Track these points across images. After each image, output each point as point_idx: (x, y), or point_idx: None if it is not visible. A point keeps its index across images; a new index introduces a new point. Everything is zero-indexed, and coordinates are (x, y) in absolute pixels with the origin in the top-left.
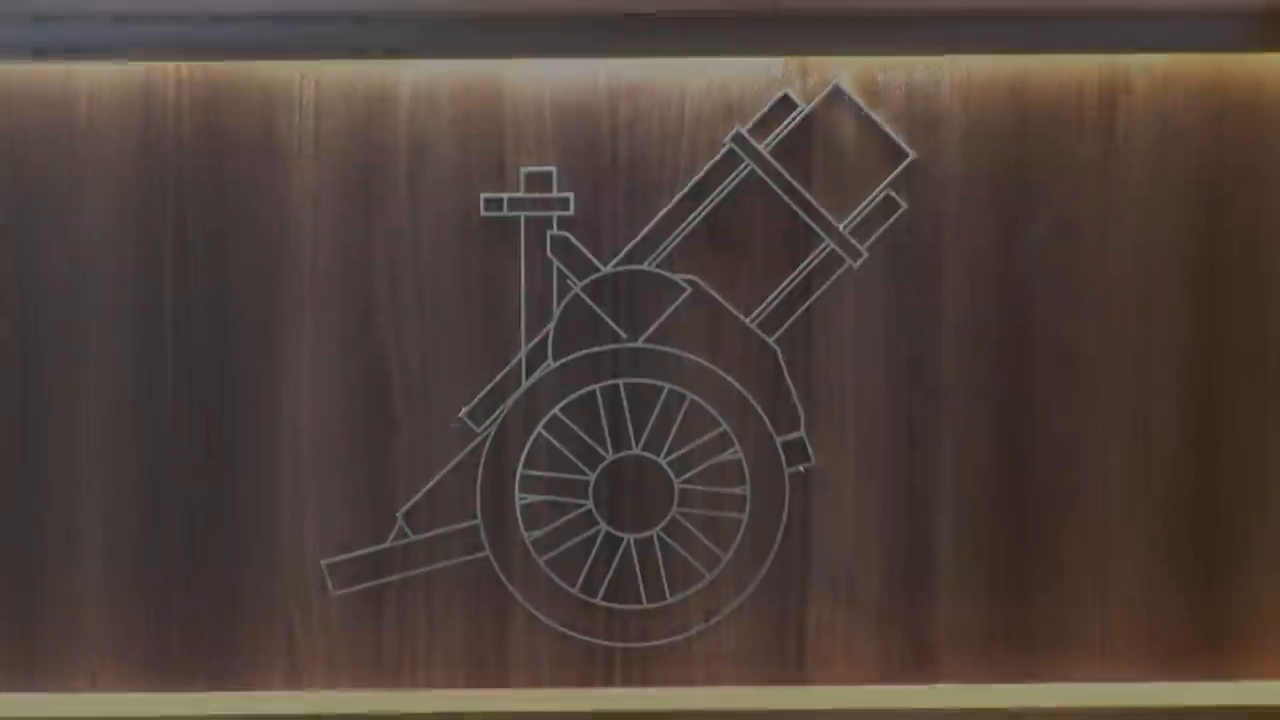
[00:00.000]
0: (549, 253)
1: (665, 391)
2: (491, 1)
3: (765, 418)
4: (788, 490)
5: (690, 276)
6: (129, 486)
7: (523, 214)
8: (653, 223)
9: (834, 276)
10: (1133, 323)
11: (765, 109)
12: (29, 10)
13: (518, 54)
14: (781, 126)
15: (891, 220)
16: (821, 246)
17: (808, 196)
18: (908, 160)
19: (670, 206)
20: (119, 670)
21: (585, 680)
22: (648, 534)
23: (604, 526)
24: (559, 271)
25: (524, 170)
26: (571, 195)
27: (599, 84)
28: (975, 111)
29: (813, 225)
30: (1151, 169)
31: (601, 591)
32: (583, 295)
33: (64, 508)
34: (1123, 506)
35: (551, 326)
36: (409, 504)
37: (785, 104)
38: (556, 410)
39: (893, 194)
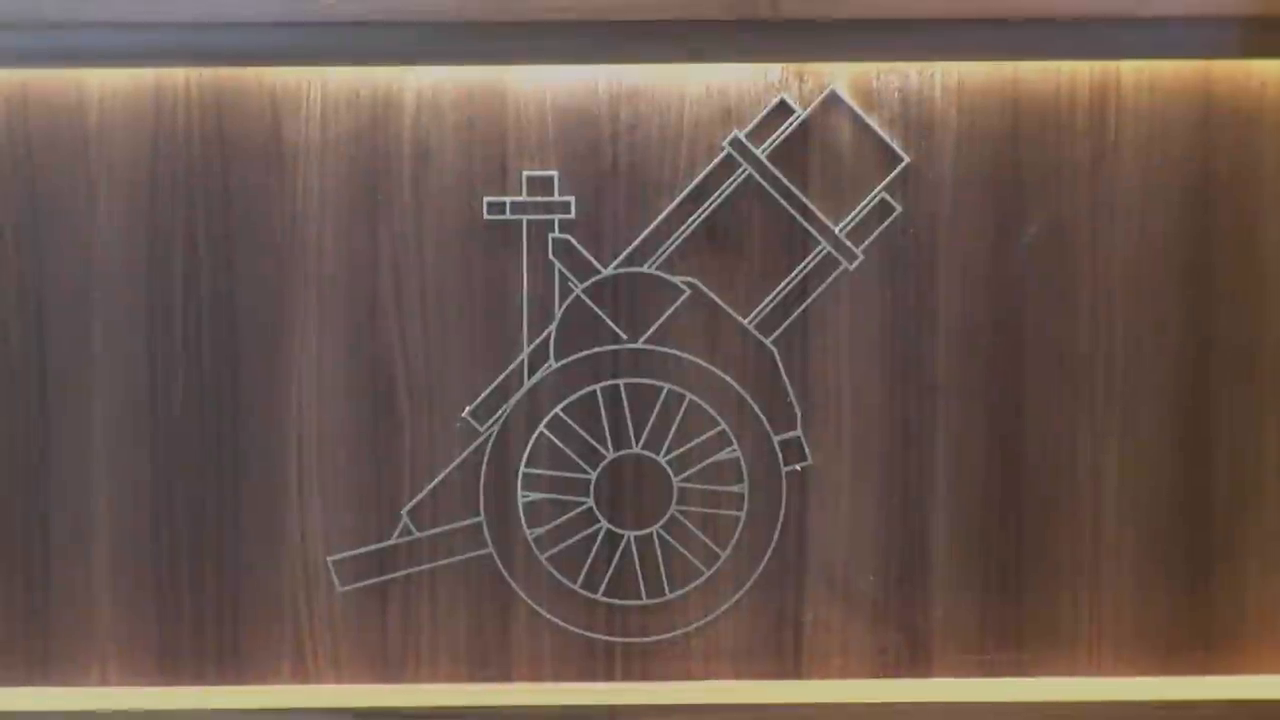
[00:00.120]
0: (551, 255)
1: (665, 391)
2: (494, 9)
3: (763, 417)
4: (784, 488)
5: (689, 278)
6: (139, 486)
7: (525, 217)
8: (652, 226)
9: (830, 278)
10: (1124, 323)
11: (763, 114)
12: (41, 18)
13: (520, 60)
14: (779, 131)
15: (887, 223)
16: (818, 249)
17: (804, 200)
18: (903, 164)
19: (669, 210)
20: (130, 665)
21: (586, 675)
22: (647, 531)
23: (605, 524)
24: (560, 274)
25: (526, 174)
26: (573, 199)
27: (599, 89)
28: (968, 116)
29: (809, 228)
30: (1141, 172)
31: (602, 588)
32: (584, 297)
33: (76, 507)
34: (1114, 505)
35: (553, 327)
36: (413, 502)
37: (782, 109)
38: (558, 410)
39: (888, 197)
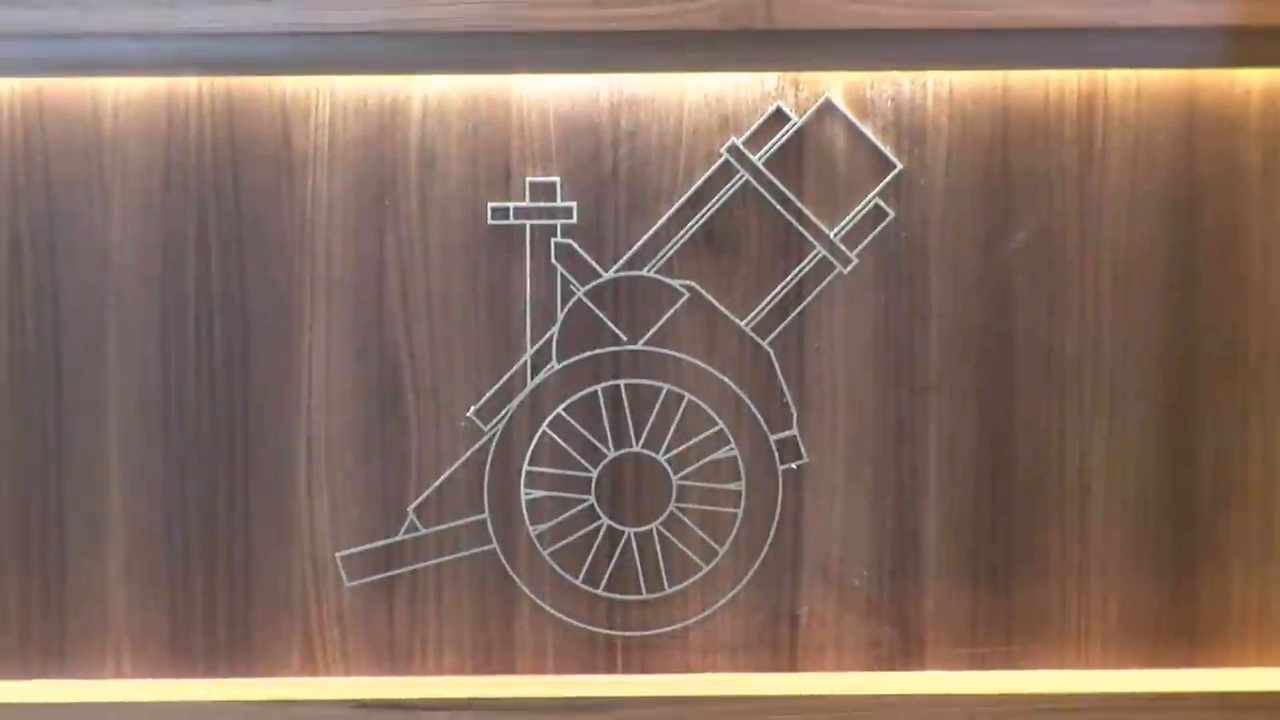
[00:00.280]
0: (553, 259)
1: (664, 392)
2: (498, 20)
3: (759, 417)
4: (781, 486)
5: (688, 282)
6: (152, 484)
7: (528, 222)
8: (652, 230)
9: (825, 282)
10: (1111, 324)
11: (759, 121)
12: (56, 28)
13: (522, 69)
14: (775, 138)
15: (880, 228)
16: (813, 253)
17: (800, 205)
18: (896, 170)
19: (669, 215)
20: (143, 658)
21: (588, 667)
22: (647, 528)
23: (605, 521)
24: (563, 277)
25: (529, 180)
26: (574, 204)
27: (600, 98)
28: (959, 123)
29: (805, 233)
30: (1128, 178)
31: (603, 583)
32: (585, 300)
33: (90, 505)
34: (1102, 502)
35: (555, 329)
36: (419, 499)
37: (778, 117)
38: (560, 409)
39: (881, 203)
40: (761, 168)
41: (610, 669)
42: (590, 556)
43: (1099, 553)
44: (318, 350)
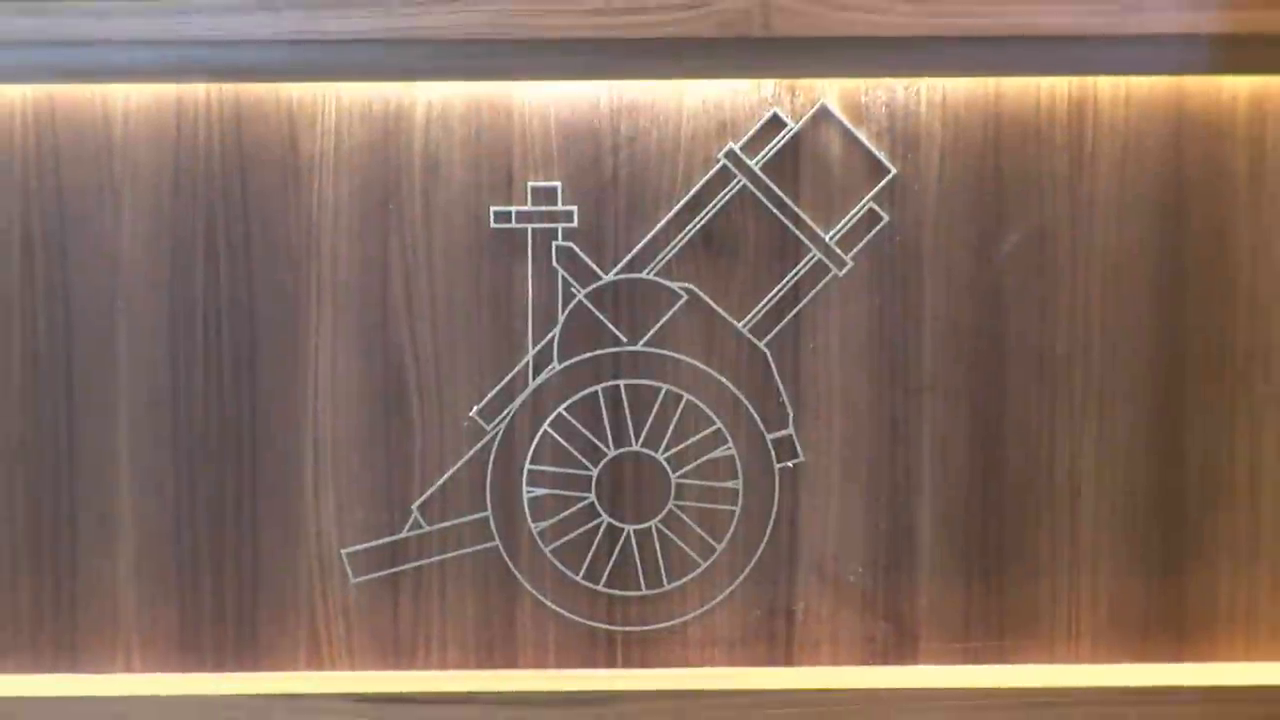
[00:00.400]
0: (554, 262)
1: (663, 392)
2: (498, 28)
3: (756, 416)
4: (777, 484)
5: (686, 284)
6: (162, 483)
7: (530, 226)
8: (651, 234)
9: (821, 284)
10: (1100, 326)
11: (756, 127)
12: (68, 36)
13: (523, 76)
14: (772, 144)
15: (875, 231)
16: (809, 256)
17: (796, 209)
18: (890, 175)
19: (667, 219)
20: (153, 653)
21: (588, 662)
22: (646, 525)
23: (606, 518)
24: (564, 280)
25: (531, 185)
26: (575, 208)
27: (601, 104)
28: (952, 129)
29: (801, 236)
30: (1117, 183)
31: (603, 579)
32: (586, 302)
33: (101, 504)
34: (1092, 500)
35: (557, 331)
36: (423, 497)
37: (775, 122)
38: (561, 409)
39: (876, 207)
40: (758, 172)
41: (610, 663)
42: (591, 553)
43: (1089, 550)
44: (324, 351)
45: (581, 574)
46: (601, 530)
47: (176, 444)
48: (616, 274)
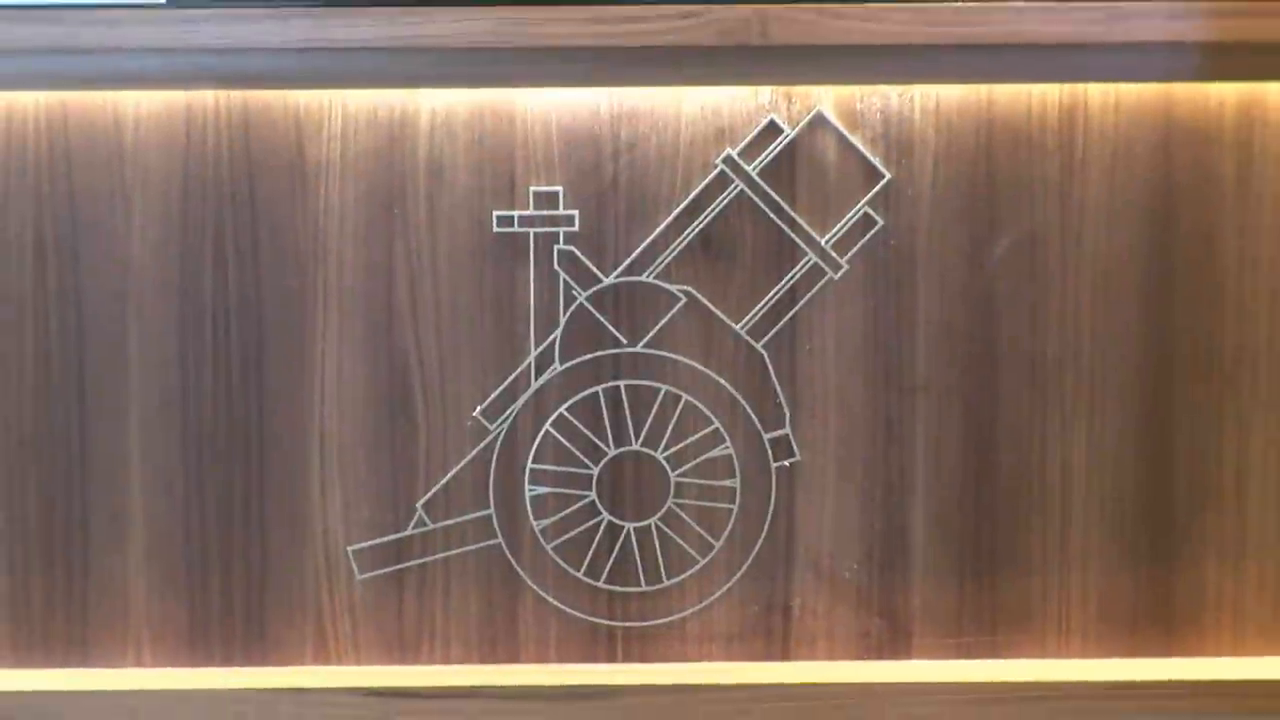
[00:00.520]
0: (556, 265)
1: (662, 392)
2: (499, 36)
3: (754, 416)
4: (774, 483)
5: (685, 287)
6: (172, 482)
7: (532, 230)
8: (650, 238)
9: (816, 287)
10: (1090, 328)
11: (753, 133)
12: (80, 44)
13: (525, 83)
14: (769, 150)
15: (869, 235)
16: (805, 259)
17: (792, 214)
18: (884, 180)
19: (667, 223)
20: (163, 648)
21: (589, 656)
22: (646, 523)
23: (606, 516)
24: (565, 282)
25: (533, 190)
26: (576, 212)
27: (601, 110)
28: (945, 135)
29: (797, 240)
30: (1107, 188)
31: (604, 576)
32: (587, 304)
33: (113, 502)
34: (1082, 498)
35: (558, 333)
36: (428, 496)
37: (772, 129)
38: (563, 409)
39: (870, 211)
40: (756, 178)
41: (611, 658)
42: (591, 550)
43: (1079, 548)
44: (330, 353)
45: (582, 571)
46: (602, 528)
47: (186, 444)
48: (617, 277)
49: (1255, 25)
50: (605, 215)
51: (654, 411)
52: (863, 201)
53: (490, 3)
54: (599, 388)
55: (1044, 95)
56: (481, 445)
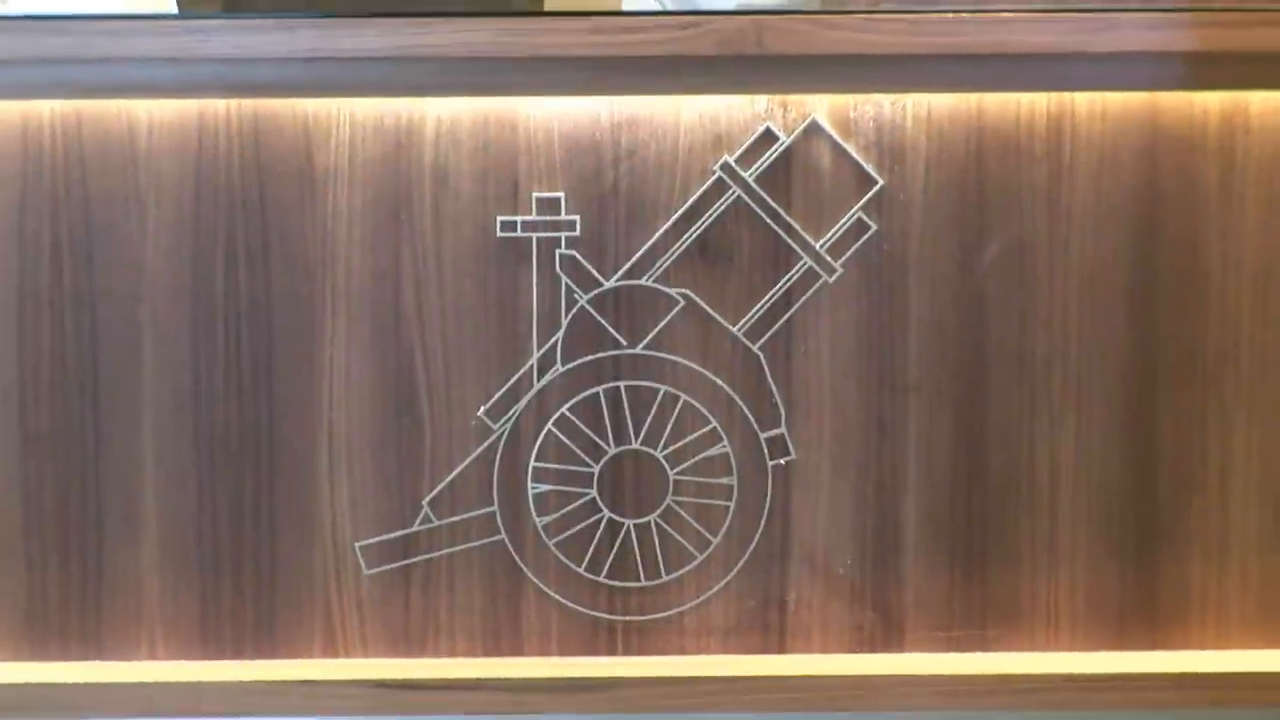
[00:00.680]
0: (558, 269)
1: (661, 393)
2: (499, 46)
3: (750, 416)
4: (770, 481)
5: (683, 290)
6: (184, 480)
7: (534, 235)
8: (650, 242)
9: (811, 290)
10: (1078, 330)
11: (750, 140)
12: (94, 54)
13: (527, 92)
14: (765, 156)
15: (863, 240)
16: (800, 264)
17: (788, 219)
18: (877, 186)
19: (666, 228)
20: (175, 641)
21: (590, 650)
22: (645, 520)
23: (607, 513)
24: (567, 286)
25: (536, 195)
26: (578, 218)
27: (602, 118)
28: (937, 142)
29: (792, 244)
30: (1094, 194)
31: (604, 571)
32: (588, 307)
33: (127, 499)
34: (1070, 495)
35: (560, 335)
36: (433, 493)
37: (768, 136)
38: (565, 409)
39: (864, 217)
40: (752, 184)
41: (611, 651)
42: (592, 546)
43: (1067, 544)
44: (339, 355)
45: (583, 566)
46: (603, 524)
47: (198, 444)
48: (617, 280)
49: (1238, 36)
50: (606, 220)
51: (653, 411)
52: (856, 207)
53: (492, 14)
54: (600, 388)
55: (1032, 104)
56: (485, 444)
